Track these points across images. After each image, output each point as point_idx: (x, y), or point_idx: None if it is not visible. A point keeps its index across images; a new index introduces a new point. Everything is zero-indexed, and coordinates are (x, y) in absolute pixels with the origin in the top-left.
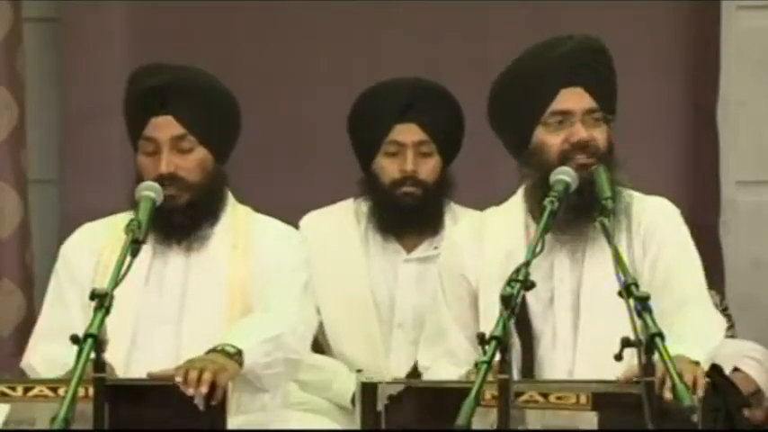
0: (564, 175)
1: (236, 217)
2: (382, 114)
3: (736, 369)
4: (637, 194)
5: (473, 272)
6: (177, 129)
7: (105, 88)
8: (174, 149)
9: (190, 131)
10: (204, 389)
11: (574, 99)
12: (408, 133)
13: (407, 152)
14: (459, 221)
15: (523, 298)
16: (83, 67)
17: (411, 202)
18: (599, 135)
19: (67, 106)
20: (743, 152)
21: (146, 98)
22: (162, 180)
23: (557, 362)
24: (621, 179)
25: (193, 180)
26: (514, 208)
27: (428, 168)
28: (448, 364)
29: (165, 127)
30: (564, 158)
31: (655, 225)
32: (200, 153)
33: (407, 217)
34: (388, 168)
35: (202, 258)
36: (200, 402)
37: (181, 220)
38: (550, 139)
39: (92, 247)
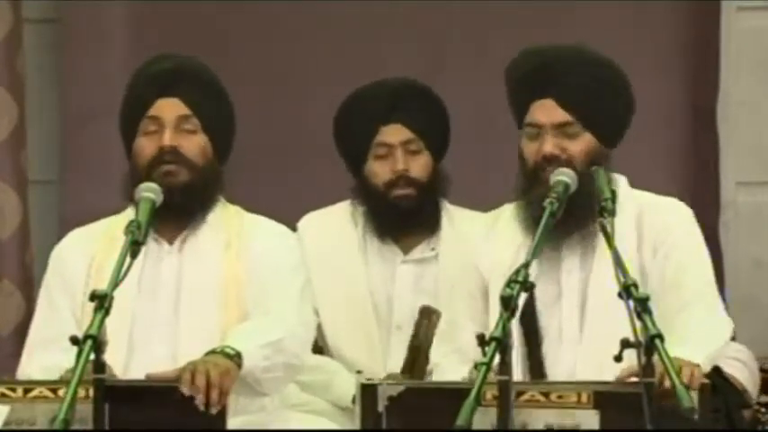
0: (563, 176)
1: (228, 216)
2: (367, 118)
3: None
4: (649, 195)
5: (485, 265)
6: (183, 109)
7: (105, 89)
8: (178, 129)
9: (195, 114)
10: (215, 394)
11: (543, 112)
12: (395, 133)
13: (396, 152)
14: (458, 221)
15: (532, 292)
16: (83, 68)
17: (406, 204)
18: (574, 148)
19: (67, 107)
20: (743, 152)
21: (154, 81)
22: (163, 154)
23: (562, 357)
24: (601, 188)
25: (194, 160)
26: None
27: (419, 166)
28: (457, 362)
29: (170, 107)
30: (537, 169)
31: (666, 226)
32: (202, 139)
33: (404, 219)
34: (379, 171)
35: (195, 259)
36: (200, 403)
37: (179, 200)
38: (527, 149)
39: (84, 252)
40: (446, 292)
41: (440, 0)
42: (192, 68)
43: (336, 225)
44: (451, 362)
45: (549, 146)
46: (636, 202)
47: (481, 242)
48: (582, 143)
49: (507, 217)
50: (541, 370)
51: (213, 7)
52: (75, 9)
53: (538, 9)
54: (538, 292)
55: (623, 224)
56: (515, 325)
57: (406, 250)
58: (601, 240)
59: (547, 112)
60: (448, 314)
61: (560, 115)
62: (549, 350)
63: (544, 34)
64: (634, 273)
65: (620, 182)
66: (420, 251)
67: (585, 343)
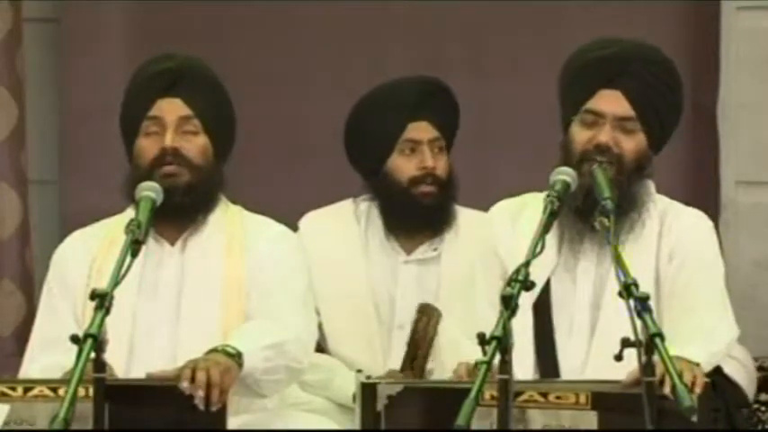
0: (564, 175)
1: (230, 215)
2: (395, 114)
3: None
4: (674, 203)
5: (503, 248)
6: (184, 110)
7: (105, 88)
8: (179, 130)
9: (196, 115)
10: (216, 393)
11: (608, 102)
12: (423, 131)
13: (424, 149)
14: (462, 221)
15: (548, 282)
16: (82, 68)
17: (428, 201)
18: (627, 144)
19: (67, 106)
20: (743, 152)
21: (155, 81)
22: (164, 156)
23: (571, 351)
24: (636, 197)
25: (195, 161)
26: None
27: (443, 165)
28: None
29: (172, 107)
30: (584, 158)
31: (685, 235)
32: (203, 139)
33: (423, 216)
34: (404, 167)
35: (197, 259)
36: (200, 403)
37: (180, 200)
38: (579, 135)
39: (84, 253)
40: (463, 276)
41: (440, 0)
42: (193, 68)
43: (338, 224)
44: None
45: (606, 136)
46: (659, 208)
47: (501, 224)
48: (635, 141)
49: (535, 206)
50: (555, 368)
51: (213, 7)
52: (74, 9)
53: (538, 9)
54: (553, 285)
55: (650, 231)
56: (527, 317)
57: (408, 250)
58: (622, 243)
59: (612, 102)
60: (467, 299)
61: (625, 108)
62: (558, 341)
63: (544, 34)
64: (650, 278)
65: (651, 188)
66: (422, 251)
67: (598, 342)
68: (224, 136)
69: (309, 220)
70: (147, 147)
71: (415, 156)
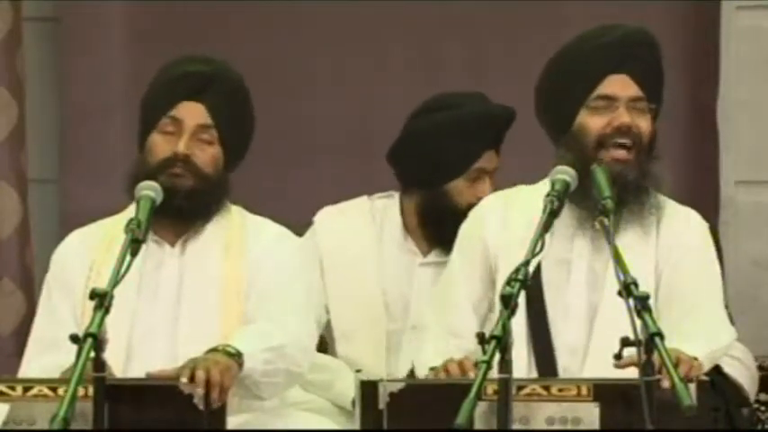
0: (564, 174)
1: (230, 217)
2: (477, 144)
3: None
4: (671, 202)
5: (493, 239)
6: (206, 118)
7: (105, 88)
8: (195, 137)
9: (216, 125)
10: (216, 392)
11: (620, 85)
12: (491, 161)
13: (486, 179)
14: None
15: (539, 269)
16: (82, 67)
17: None
18: (642, 123)
19: (67, 106)
20: (743, 152)
21: (185, 81)
22: (175, 159)
23: (569, 333)
24: (657, 176)
25: (204, 170)
26: (544, 188)
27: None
28: (436, 337)
29: (194, 112)
30: (602, 142)
31: (682, 233)
32: (217, 150)
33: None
34: (466, 192)
35: (196, 261)
36: (199, 402)
37: (180, 203)
38: (592, 122)
39: (84, 253)
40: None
41: (440, 0)
42: (224, 77)
43: (353, 221)
44: (432, 335)
45: (627, 117)
46: (655, 204)
47: (491, 217)
48: (647, 121)
49: (524, 196)
50: (550, 349)
51: (213, 7)
52: (74, 8)
53: (538, 9)
54: (544, 268)
55: (648, 227)
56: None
57: (425, 251)
58: (623, 231)
59: (623, 85)
60: (444, 273)
61: (635, 90)
62: (553, 325)
63: (544, 34)
64: (649, 277)
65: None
66: (440, 253)
67: (600, 324)
68: (238, 149)
69: (325, 216)
70: (160, 145)
71: (477, 185)
